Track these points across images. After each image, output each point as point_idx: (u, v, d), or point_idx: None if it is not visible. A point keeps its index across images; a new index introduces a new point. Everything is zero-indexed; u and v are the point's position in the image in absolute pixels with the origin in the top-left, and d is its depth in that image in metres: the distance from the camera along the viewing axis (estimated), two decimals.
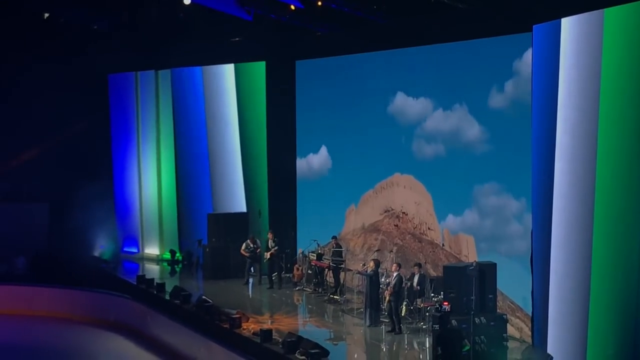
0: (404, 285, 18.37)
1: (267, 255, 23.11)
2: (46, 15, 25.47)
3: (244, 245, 23.45)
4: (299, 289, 22.87)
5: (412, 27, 20.53)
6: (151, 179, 28.53)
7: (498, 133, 18.31)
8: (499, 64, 18.25)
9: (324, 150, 24.06)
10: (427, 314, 17.61)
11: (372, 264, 18.72)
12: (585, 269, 14.38)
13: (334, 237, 22.39)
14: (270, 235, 23.38)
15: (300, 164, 25.00)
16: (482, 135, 18.78)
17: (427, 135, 20.57)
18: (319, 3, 21.00)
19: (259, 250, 23.43)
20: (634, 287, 13.37)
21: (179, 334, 19.78)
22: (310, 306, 21.50)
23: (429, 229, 20.61)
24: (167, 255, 27.73)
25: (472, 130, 19.09)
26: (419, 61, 20.81)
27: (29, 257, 26.85)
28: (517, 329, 17.51)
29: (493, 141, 18.45)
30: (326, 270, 22.02)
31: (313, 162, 24.54)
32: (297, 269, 23.18)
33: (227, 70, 26.22)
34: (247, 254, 23.43)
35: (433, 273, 19.56)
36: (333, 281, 21.76)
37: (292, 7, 21.62)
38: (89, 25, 26.40)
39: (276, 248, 23.08)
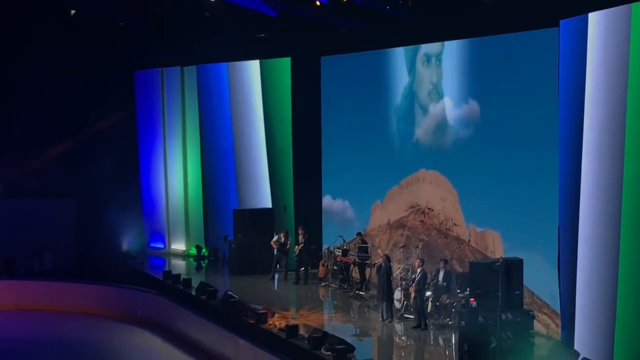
0: (429, 281, 18.36)
1: (297, 249, 23.18)
2: (73, 12, 25.61)
3: (275, 237, 23.55)
4: (324, 285, 22.90)
5: (438, 23, 20.48)
6: (177, 175, 28.66)
7: (525, 129, 18.21)
8: (525, 59, 18.15)
9: (350, 145, 24.04)
10: (453, 309, 17.58)
11: (383, 257, 18.77)
12: (613, 265, 14.29)
13: (359, 234, 22.40)
14: (300, 231, 23.42)
15: (326, 159, 25.00)
16: (508, 131, 18.69)
17: (453, 131, 20.51)
18: None
19: (288, 246, 23.46)
20: None
21: (205, 330, 19.87)
22: (335, 302, 21.53)
23: (454, 224, 20.55)
24: (193, 251, 27.87)
25: (498, 126, 19.01)
26: (445, 56, 20.75)
27: (56, 253, 27.04)
28: (544, 325, 17.42)
29: (520, 137, 18.34)
30: (352, 266, 22.03)
31: (339, 157, 24.53)
32: (323, 265, 23.21)
33: (253, 67, 26.27)
34: (275, 246, 23.50)
35: (459, 269, 19.50)
36: (359, 277, 21.76)
37: (318, 3, 21.64)
38: (115, 21, 26.53)
39: (303, 242, 23.15)
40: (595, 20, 14.91)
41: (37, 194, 28.30)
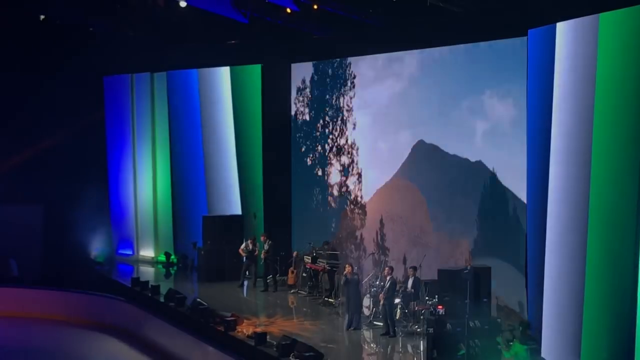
0: (398, 288, 18.39)
1: (262, 256, 23.10)
2: (42, 17, 25.41)
3: (243, 244, 23.46)
4: (293, 292, 22.86)
5: (408, 31, 20.56)
6: (146, 181, 28.49)
7: (493, 137, 18.33)
8: (494, 67, 18.28)
9: (320, 152, 24.05)
10: (422, 317, 17.61)
11: (349, 268, 18.76)
12: (580, 273, 14.41)
13: (326, 243, 22.38)
14: (262, 238, 23.32)
15: (295, 166, 24.99)
16: (477, 139, 18.80)
17: (424, 139, 20.59)
18: (315, 6, 21.00)
19: (256, 252, 23.37)
20: (628, 291, 13.40)
21: (173, 337, 19.76)
22: (305, 309, 21.47)
23: (424, 232, 20.62)
24: (162, 258, 27.69)
25: (468, 134, 19.11)
26: (414, 64, 20.84)
27: (23, 259, 26.77)
28: None
29: (488, 145, 18.46)
30: (321, 273, 22.01)
31: (309, 164, 24.53)
32: (292, 272, 23.17)
33: (223, 73, 26.20)
34: (244, 254, 23.41)
35: (428, 276, 19.53)
36: (328, 284, 21.74)
37: (288, 10, 21.63)
38: (85, 27, 26.35)
39: (267, 250, 23.04)
40: (563, 30, 15.07)
41: (3, 199, 27.99)
